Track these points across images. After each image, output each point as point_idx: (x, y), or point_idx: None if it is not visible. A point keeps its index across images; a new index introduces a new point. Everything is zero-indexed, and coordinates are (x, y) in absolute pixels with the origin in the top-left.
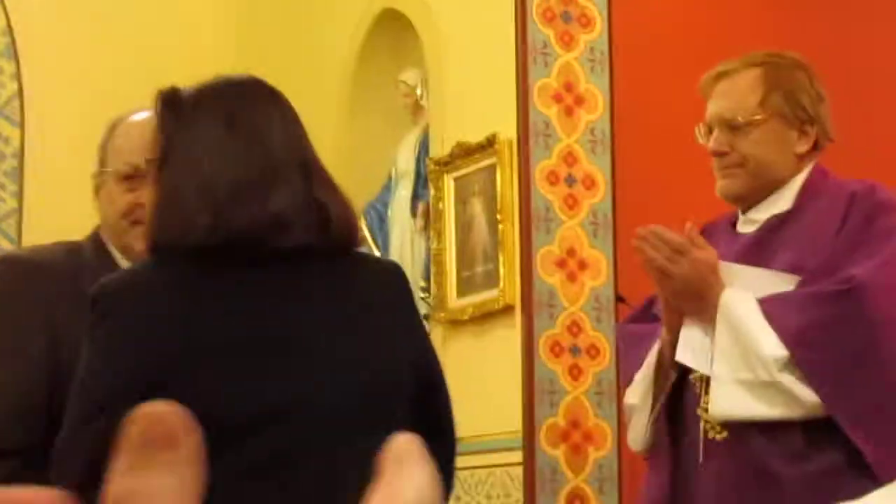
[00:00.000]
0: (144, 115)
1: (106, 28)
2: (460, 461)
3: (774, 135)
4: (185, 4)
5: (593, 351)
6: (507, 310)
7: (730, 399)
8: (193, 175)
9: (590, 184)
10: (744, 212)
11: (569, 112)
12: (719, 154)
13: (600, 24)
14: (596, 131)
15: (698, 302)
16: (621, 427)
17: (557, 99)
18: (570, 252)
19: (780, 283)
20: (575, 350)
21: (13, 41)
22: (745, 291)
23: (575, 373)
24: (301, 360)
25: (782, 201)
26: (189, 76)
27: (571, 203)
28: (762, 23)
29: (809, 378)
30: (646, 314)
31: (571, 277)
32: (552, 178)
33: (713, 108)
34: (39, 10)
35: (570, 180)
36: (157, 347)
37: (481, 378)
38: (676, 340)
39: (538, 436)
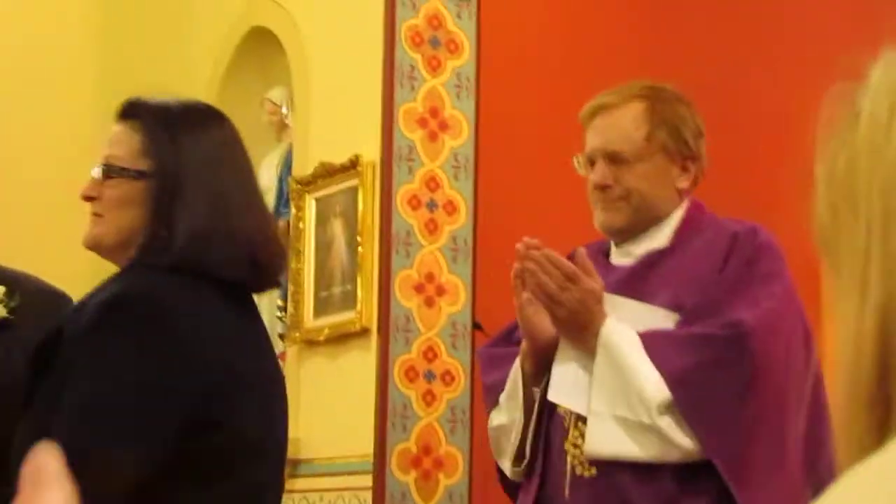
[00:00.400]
0: None
1: None
2: (310, 483)
3: (658, 170)
4: (47, 18)
5: (448, 377)
6: (364, 332)
7: (606, 437)
8: (217, 206)
9: (451, 209)
10: (619, 244)
11: (433, 137)
12: (603, 187)
13: (468, 51)
14: (459, 157)
15: (581, 331)
16: (473, 454)
17: (422, 123)
18: (429, 277)
19: (661, 319)
20: (429, 375)
21: None
22: (625, 325)
23: (429, 398)
24: (282, 398)
25: (660, 236)
26: (51, 92)
27: (432, 228)
28: (631, 49)
29: (690, 422)
30: (506, 341)
31: (429, 302)
32: (414, 203)
33: (597, 140)
34: None
35: (432, 205)
36: (207, 371)
37: (335, 399)
38: (536, 351)
39: (389, 460)
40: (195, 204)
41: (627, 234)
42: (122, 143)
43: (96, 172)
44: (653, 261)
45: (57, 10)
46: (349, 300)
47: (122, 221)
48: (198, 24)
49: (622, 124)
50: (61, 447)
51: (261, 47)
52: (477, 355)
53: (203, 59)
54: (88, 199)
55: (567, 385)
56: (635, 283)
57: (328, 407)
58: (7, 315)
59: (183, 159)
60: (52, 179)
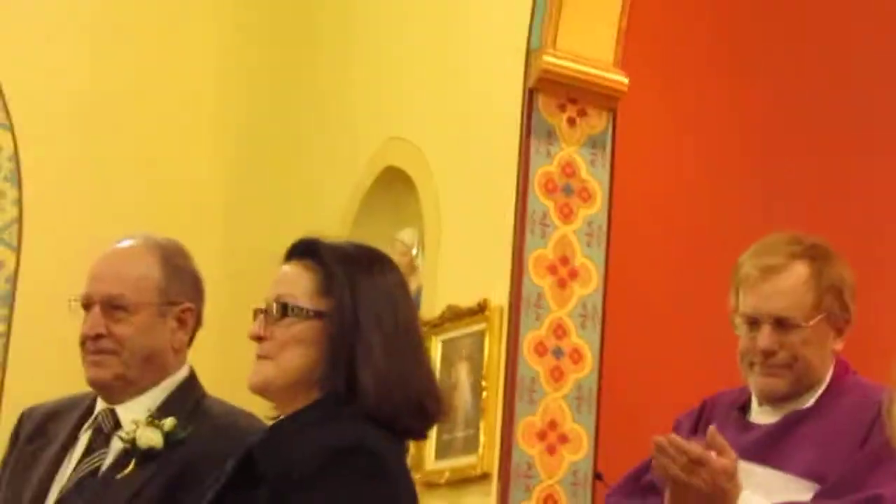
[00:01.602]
0: (123, 244)
1: (106, 161)
2: None
3: (820, 335)
4: (184, 145)
5: None
6: (484, 477)
7: None
8: (394, 351)
9: (577, 358)
10: (763, 404)
11: (562, 284)
12: (768, 353)
13: (600, 199)
14: (588, 305)
15: None
16: None
17: (552, 270)
18: (552, 424)
19: (798, 489)
20: None
21: (18, 168)
22: (760, 496)
23: None
24: None
25: (807, 398)
26: (184, 219)
27: (557, 375)
28: (764, 204)
29: None
30: (634, 484)
31: (551, 450)
32: (540, 349)
33: (763, 304)
34: (47, 139)
35: (558, 352)
36: None
37: None
38: None
39: None
40: (375, 347)
41: (785, 399)
42: (294, 282)
43: (268, 310)
44: (794, 421)
45: (190, 144)
46: (471, 444)
47: (294, 362)
48: (332, 160)
49: (792, 289)
50: None
51: (394, 187)
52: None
53: (337, 198)
54: (258, 339)
55: None
56: (773, 444)
57: None
58: (158, 447)
59: (361, 300)
60: None
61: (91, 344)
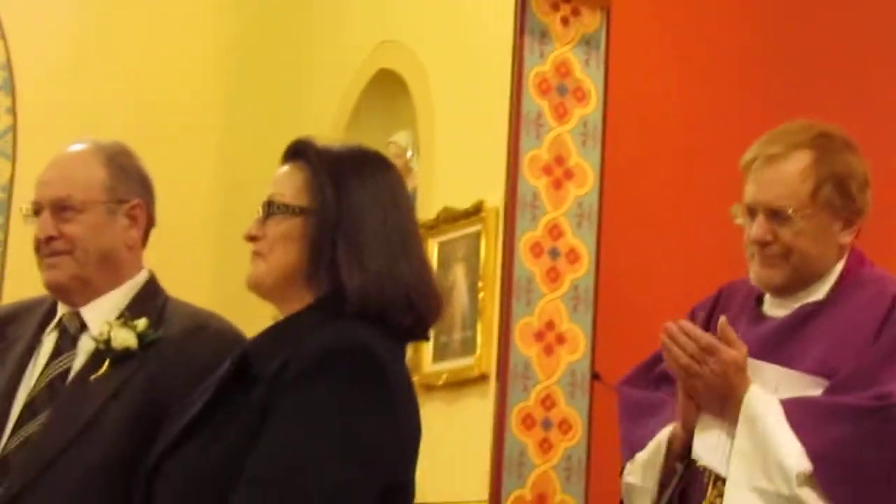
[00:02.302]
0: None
1: (101, 68)
2: None
3: (821, 227)
4: (178, 55)
5: (565, 426)
6: (482, 378)
7: None
8: (379, 249)
9: (573, 258)
10: (774, 296)
11: (557, 185)
12: (762, 243)
13: (595, 99)
14: (583, 205)
15: (722, 402)
16: (588, 503)
17: (547, 171)
18: (549, 325)
19: (807, 386)
20: (547, 424)
21: (11, 76)
22: (769, 393)
23: (545, 446)
24: None
25: (818, 290)
26: (179, 124)
27: (554, 276)
28: (763, 95)
29: (830, 496)
30: (646, 374)
31: (548, 350)
32: (536, 250)
33: (759, 194)
34: (40, 47)
35: (554, 253)
36: (411, 432)
37: (451, 445)
38: (689, 435)
39: None
40: (359, 245)
41: (785, 291)
42: (285, 181)
43: (260, 212)
44: (805, 315)
45: (183, 54)
46: (469, 346)
47: (283, 259)
48: (324, 65)
49: (787, 179)
50: (256, 489)
51: (387, 90)
52: (617, 392)
53: (329, 102)
54: (251, 238)
55: (709, 445)
56: (785, 339)
57: (444, 452)
58: (133, 347)
59: (345, 199)
60: (176, 225)
61: (44, 247)
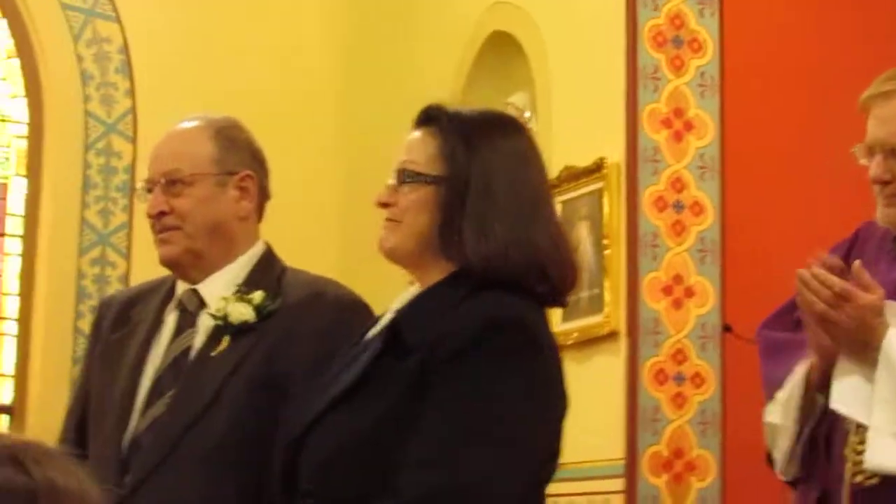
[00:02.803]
0: (178, 126)
1: (216, 48)
2: (560, 487)
3: None
4: (293, 29)
5: (698, 380)
6: (612, 335)
7: (886, 453)
8: (513, 214)
9: (698, 210)
10: None
11: (678, 137)
12: (881, 182)
13: (711, 49)
14: (705, 157)
15: (860, 347)
16: (725, 457)
17: (666, 124)
18: (677, 279)
19: None
20: (679, 378)
21: (128, 59)
22: None
23: (679, 401)
24: None
25: None
26: (296, 100)
27: (679, 229)
28: (875, 39)
29: None
30: (785, 318)
31: (677, 304)
32: (660, 204)
33: (876, 131)
34: (155, 30)
35: (678, 206)
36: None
37: (583, 404)
38: (827, 366)
39: (640, 464)
40: (486, 211)
41: None
42: (417, 148)
43: (392, 179)
44: None
45: (296, 31)
46: (596, 304)
47: (417, 227)
48: (437, 30)
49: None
50: (424, 470)
51: (501, 52)
52: (756, 337)
53: (443, 67)
54: (383, 205)
55: (848, 394)
56: None
57: (577, 411)
58: (251, 320)
59: (476, 163)
60: (300, 201)
61: (156, 223)
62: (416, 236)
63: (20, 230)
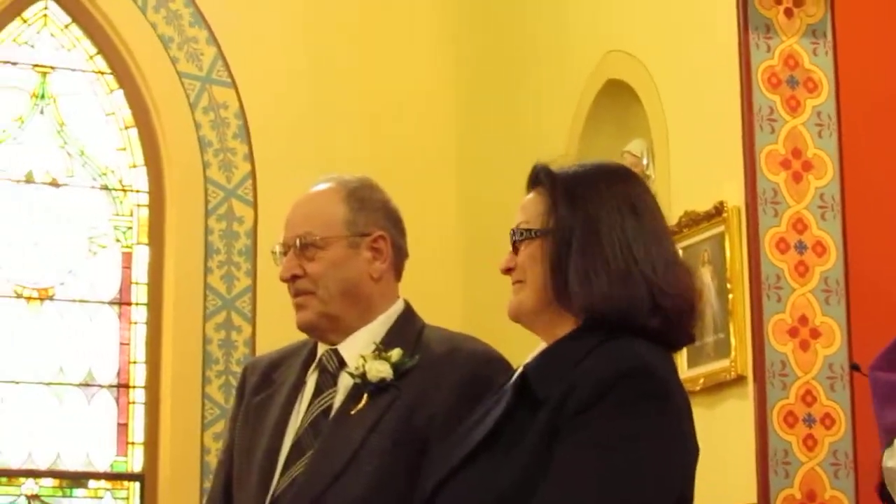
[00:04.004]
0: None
1: (332, 107)
2: None
3: None
4: (408, 87)
5: (828, 421)
6: (739, 380)
7: None
8: (626, 258)
9: (820, 250)
10: None
11: (797, 178)
12: None
13: (827, 88)
14: (825, 196)
15: None
16: (859, 498)
17: (785, 165)
18: (802, 320)
19: None
20: (809, 420)
21: (245, 123)
22: None
23: (810, 443)
24: None
25: None
26: (414, 156)
27: (802, 270)
28: None
29: None
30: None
31: (804, 346)
32: (782, 246)
33: None
34: (270, 93)
35: (801, 247)
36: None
37: (714, 449)
38: None
39: None
40: (591, 255)
41: None
42: (529, 209)
43: (513, 240)
44: None
45: (413, 86)
46: (722, 348)
47: (536, 282)
48: (552, 81)
49: None
50: None
51: (617, 100)
52: (870, 378)
53: (560, 117)
54: (507, 271)
55: None
56: None
57: (707, 456)
58: (388, 378)
59: (580, 213)
60: (422, 256)
61: (291, 288)
62: (537, 292)
63: (145, 298)
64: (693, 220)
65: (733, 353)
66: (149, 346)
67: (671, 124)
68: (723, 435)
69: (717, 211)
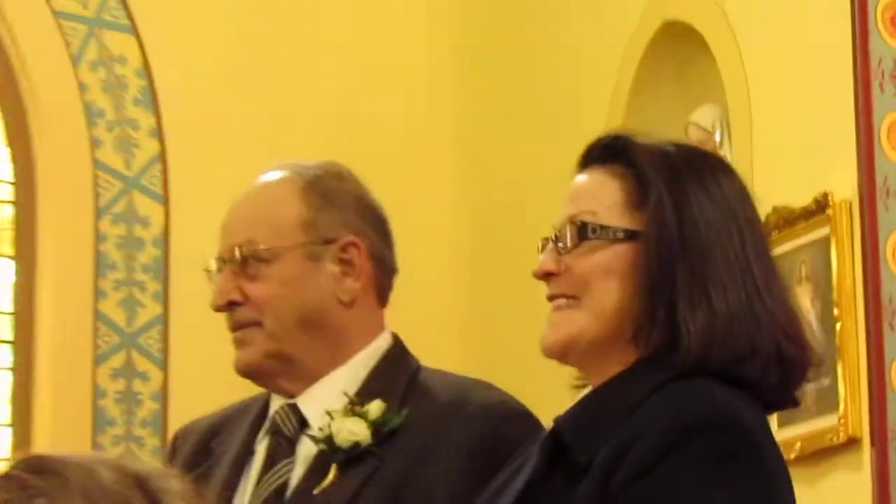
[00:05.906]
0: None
1: (285, 68)
2: None
3: None
4: (392, 33)
5: None
6: (851, 443)
7: None
8: (739, 283)
9: None
10: None
11: None
12: None
13: None
14: None
15: None
16: None
17: None
18: None
19: None
20: None
21: (151, 85)
22: None
23: None
24: None
25: None
26: (402, 141)
27: None
28: None
29: None
30: None
31: None
32: None
33: None
34: (188, 43)
35: None
36: None
37: None
38: None
39: None
40: (706, 278)
41: None
42: (597, 194)
43: (559, 237)
44: None
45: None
46: (828, 400)
47: (607, 302)
48: (588, 22)
49: None
50: None
51: (678, 50)
52: None
53: (599, 72)
54: (545, 275)
55: None
56: None
57: None
58: (365, 442)
59: (688, 216)
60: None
61: (229, 318)
62: (606, 318)
63: (10, 334)
64: (785, 220)
65: (842, 407)
66: (15, 403)
67: (754, 85)
68: None
69: (820, 207)
